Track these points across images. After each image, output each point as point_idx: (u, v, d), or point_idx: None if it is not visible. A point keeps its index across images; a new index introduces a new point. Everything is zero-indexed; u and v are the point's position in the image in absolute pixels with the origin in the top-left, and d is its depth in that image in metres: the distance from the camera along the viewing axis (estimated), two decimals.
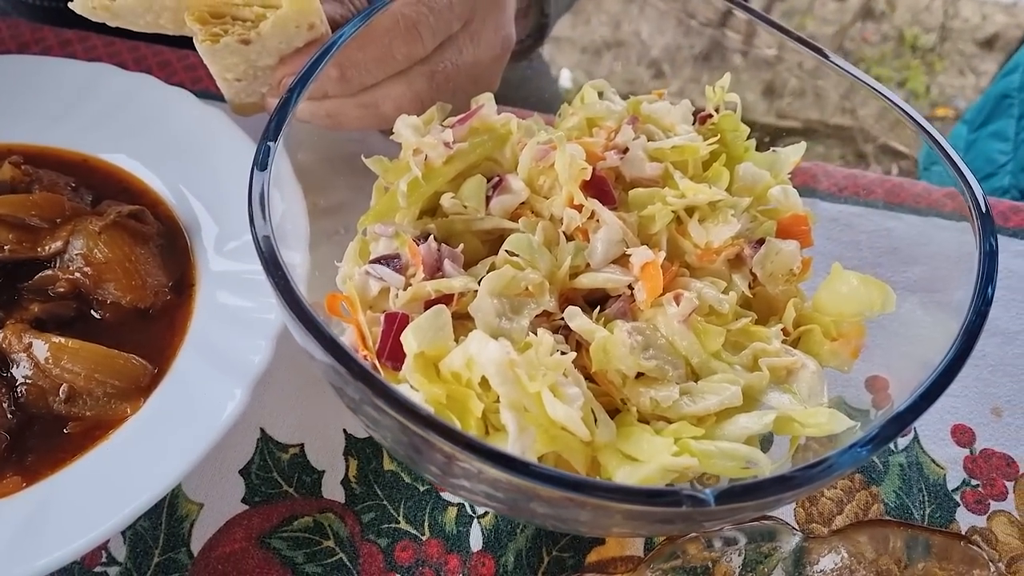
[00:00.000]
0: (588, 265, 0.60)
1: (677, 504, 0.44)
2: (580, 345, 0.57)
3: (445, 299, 0.57)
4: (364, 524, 0.64)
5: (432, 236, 0.61)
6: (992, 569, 0.59)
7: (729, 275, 0.61)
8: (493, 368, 0.50)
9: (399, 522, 0.65)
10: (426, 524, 0.65)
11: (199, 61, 0.68)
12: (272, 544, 0.63)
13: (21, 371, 0.63)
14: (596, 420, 0.53)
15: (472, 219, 0.63)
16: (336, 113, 0.70)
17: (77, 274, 0.67)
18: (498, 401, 0.51)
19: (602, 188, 0.61)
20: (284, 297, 0.48)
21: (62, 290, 0.67)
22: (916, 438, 0.71)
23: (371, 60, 0.67)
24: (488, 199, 0.63)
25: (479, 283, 0.57)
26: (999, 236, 0.84)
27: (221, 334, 0.66)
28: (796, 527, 0.65)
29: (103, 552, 0.62)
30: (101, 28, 0.69)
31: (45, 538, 0.56)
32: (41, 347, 0.63)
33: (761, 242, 0.60)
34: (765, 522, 0.61)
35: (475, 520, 0.65)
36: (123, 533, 0.63)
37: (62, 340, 0.63)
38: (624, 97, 0.73)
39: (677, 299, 0.57)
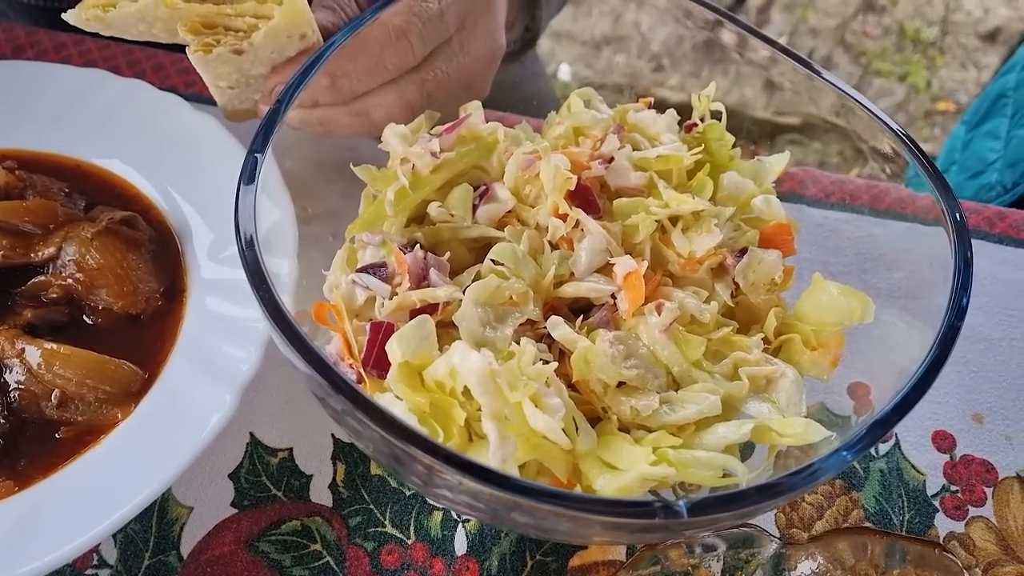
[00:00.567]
0: (572, 274, 0.61)
1: (651, 516, 0.45)
2: (563, 353, 0.58)
3: (430, 308, 0.58)
4: (351, 528, 0.65)
5: (419, 244, 0.62)
6: (966, 575, 0.60)
7: (712, 284, 0.62)
8: (475, 379, 0.51)
9: (385, 526, 0.66)
10: (412, 528, 0.66)
11: (192, 65, 0.69)
12: (260, 547, 0.64)
13: (14, 376, 0.64)
14: (577, 429, 0.54)
15: (459, 227, 0.64)
16: (327, 121, 0.71)
17: (70, 280, 0.68)
18: (481, 410, 0.52)
19: (587, 198, 0.62)
20: (269, 312, 0.49)
21: (55, 296, 0.68)
22: (897, 444, 0.72)
23: (362, 69, 0.68)
24: (475, 207, 0.64)
25: (464, 292, 0.58)
26: (984, 242, 0.86)
27: (211, 340, 0.67)
28: (777, 532, 0.66)
29: (94, 555, 0.64)
30: (96, 32, 0.70)
31: (37, 541, 0.57)
32: (34, 353, 0.64)
33: (744, 251, 0.61)
34: (745, 529, 0.62)
35: (460, 525, 0.66)
36: (114, 536, 0.64)
37: (54, 346, 0.64)
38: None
39: (659, 309, 0.58)
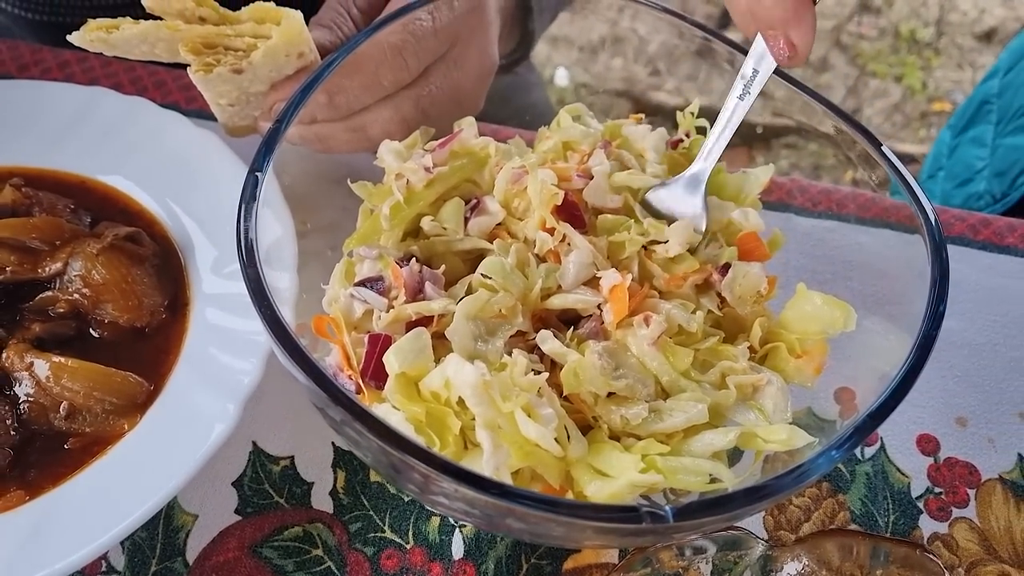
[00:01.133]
0: (560, 287, 0.63)
1: (638, 521, 0.47)
2: (555, 363, 0.60)
3: (425, 320, 0.60)
4: (351, 533, 0.67)
5: (414, 258, 0.64)
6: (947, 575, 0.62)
7: (696, 298, 0.64)
8: (469, 390, 0.53)
9: (384, 531, 0.68)
10: (410, 533, 0.68)
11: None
12: (263, 553, 0.66)
13: (23, 389, 0.66)
14: (569, 437, 0.56)
15: (452, 240, 0.66)
16: (326, 137, 0.73)
17: (76, 295, 0.70)
18: (475, 419, 0.54)
19: (573, 212, 0.64)
20: (271, 328, 0.51)
21: (62, 310, 0.70)
22: (882, 447, 0.74)
23: (358, 86, 0.69)
24: (466, 220, 0.66)
25: (457, 304, 0.60)
26: (968, 249, 0.88)
27: (214, 352, 0.69)
28: (765, 534, 0.68)
29: (103, 562, 0.65)
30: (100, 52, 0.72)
31: (48, 549, 0.59)
32: (42, 366, 0.66)
33: (727, 267, 0.63)
34: (733, 532, 0.64)
35: (457, 529, 0.68)
36: (122, 543, 0.66)
37: (62, 359, 0.66)
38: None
39: (647, 321, 0.60)
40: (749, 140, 0.81)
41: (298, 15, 0.67)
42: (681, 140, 0.71)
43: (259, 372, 0.66)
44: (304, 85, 0.64)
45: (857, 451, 0.74)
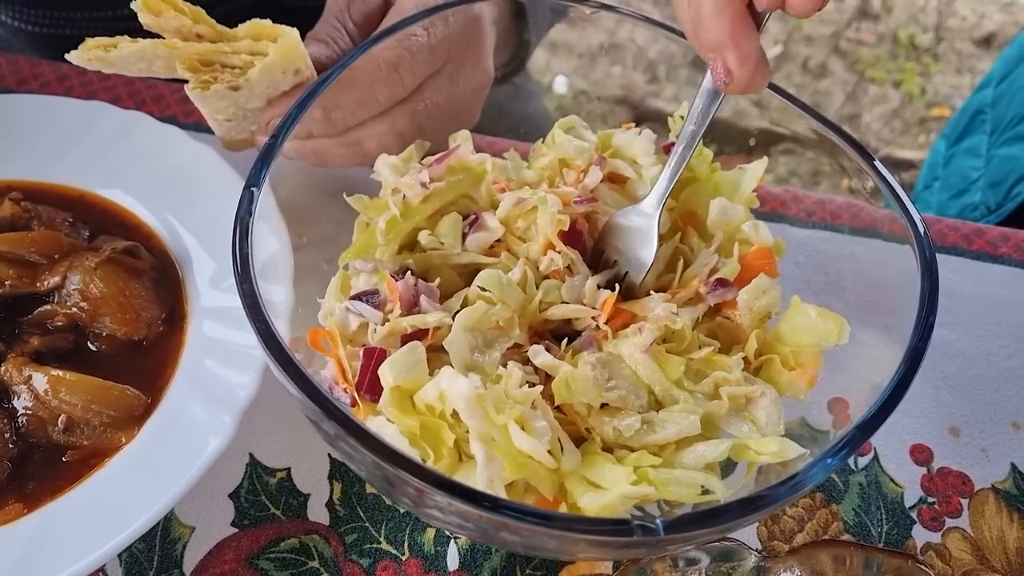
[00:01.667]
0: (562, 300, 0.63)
1: (629, 534, 0.47)
2: (549, 376, 0.60)
3: (421, 334, 0.61)
4: (347, 545, 0.68)
5: (410, 271, 0.64)
6: None
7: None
8: (462, 403, 0.54)
9: (380, 543, 0.68)
10: (406, 544, 0.68)
11: None
12: (260, 565, 0.67)
13: (22, 402, 0.66)
14: (562, 449, 0.57)
15: (448, 254, 0.67)
16: (321, 151, 0.73)
17: (74, 308, 0.71)
18: (469, 432, 0.54)
19: (576, 236, 0.66)
20: (266, 344, 0.51)
21: (60, 324, 0.71)
22: (876, 457, 0.74)
23: (354, 101, 0.70)
24: (464, 235, 0.67)
25: (453, 318, 0.60)
26: (962, 259, 0.88)
27: (211, 365, 0.69)
28: (759, 545, 0.68)
29: (100, 574, 0.66)
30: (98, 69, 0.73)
31: (46, 561, 0.60)
32: (40, 379, 0.66)
33: (720, 283, 0.63)
34: (726, 543, 0.64)
35: (452, 541, 0.68)
36: (119, 555, 0.67)
37: (60, 373, 0.66)
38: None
39: (641, 330, 0.60)
40: (745, 149, 0.81)
41: (294, 32, 0.68)
42: (673, 143, 0.71)
43: (256, 385, 0.67)
44: (300, 101, 0.65)
45: (850, 461, 0.74)
